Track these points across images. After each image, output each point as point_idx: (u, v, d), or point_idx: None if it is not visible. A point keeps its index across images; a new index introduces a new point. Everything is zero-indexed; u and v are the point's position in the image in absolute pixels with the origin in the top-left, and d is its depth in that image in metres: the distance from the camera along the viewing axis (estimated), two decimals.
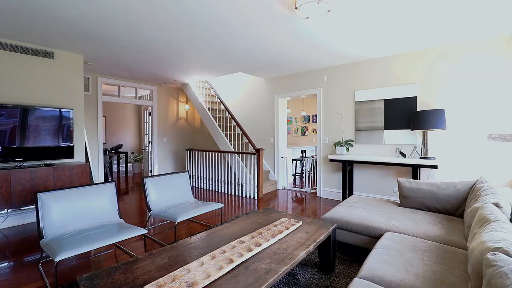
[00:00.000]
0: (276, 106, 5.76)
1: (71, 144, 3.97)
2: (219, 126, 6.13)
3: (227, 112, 6.53)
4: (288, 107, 9.03)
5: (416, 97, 3.97)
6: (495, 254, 1.09)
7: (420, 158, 3.69)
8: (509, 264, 1.00)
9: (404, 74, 4.10)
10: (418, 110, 3.97)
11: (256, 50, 3.93)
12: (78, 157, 4.17)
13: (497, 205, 1.82)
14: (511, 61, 3.31)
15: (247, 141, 6.13)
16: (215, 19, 2.87)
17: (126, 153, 7.97)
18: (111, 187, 2.76)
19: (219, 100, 6.70)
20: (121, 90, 6.13)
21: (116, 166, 8.50)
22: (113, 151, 7.55)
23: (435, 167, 3.51)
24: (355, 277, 1.55)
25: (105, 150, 7.24)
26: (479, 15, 2.80)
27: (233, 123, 6.45)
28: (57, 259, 1.83)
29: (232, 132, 6.36)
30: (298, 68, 5.01)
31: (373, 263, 1.64)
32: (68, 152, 3.94)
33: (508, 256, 1.11)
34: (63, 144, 3.87)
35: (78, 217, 2.43)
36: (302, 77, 5.31)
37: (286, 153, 5.98)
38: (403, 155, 3.91)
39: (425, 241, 1.97)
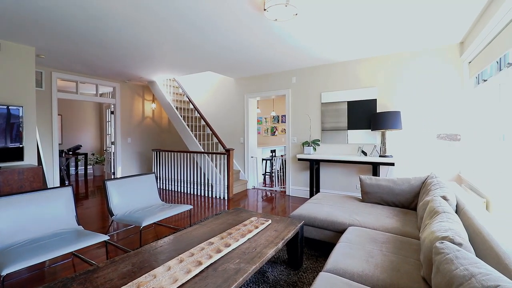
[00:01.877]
0: (246, 106, 5.77)
1: (21, 145, 3.60)
2: (188, 126, 5.98)
3: (196, 112, 6.40)
4: (258, 107, 9.11)
5: (376, 99, 4.25)
6: (442, 242, 1.21)
7: (380, 156, 3.95)
8: (454, 251, 1.12)
9: (365, 77, 4.36)
10: (377, 111, 4.24)
11: (226, 50, 3.91)
12: (29, 159, 3.80)
13: (444, 198, 2.01)
14: (454, 67, 3.69)
15: (217, 141, 6.06)
16: (185, 15, 2.80)
17: (86, 154, 7.43)
18: (67, 191, 2.56)
19: (187, 99, 6.55)
20: (80, 86, 5.70)
21: (74, 168, 7.89)
22: (71, 153, 6.99)
23: (392, 164, 3.78)
24: (321, 271, 1.61)
25: (61, 152, 6.68)
26: (430, 26, 3.08)
27: (203, 122, 6.34)
28: (3, 273, 1.65)
29: (202, 132, 6.25)
30: (268, 69, 5.07)
31: (337, 256, 1.73)
32: (17, 153, 3.57)
33: (454, 244, 1.24)
34: (11, 145, 3.50)
35: (29, 225, 2.21)
36: (272, 78, 5.39)
37: (256, 153, 6.03)
38: (365, 153, 4.15)
39: (384, 233, 2.12)
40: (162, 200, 4.49)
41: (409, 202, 2.79)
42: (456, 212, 2.02)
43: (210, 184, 5.13)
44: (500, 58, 2.54)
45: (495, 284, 0.83)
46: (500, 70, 2.57)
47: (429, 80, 3.88)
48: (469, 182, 3.14)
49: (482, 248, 1.32)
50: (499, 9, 2.22)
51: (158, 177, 5.92)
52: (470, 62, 3.37)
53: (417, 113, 3.97)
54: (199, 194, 5.28)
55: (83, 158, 7.60)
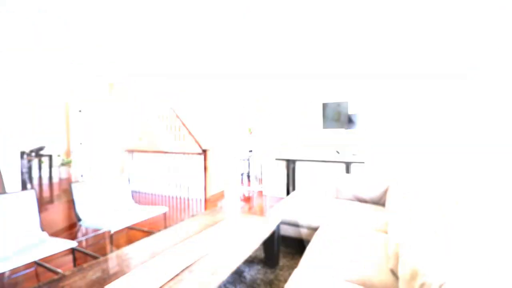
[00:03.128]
0: (223, 106, 5.73)
1: None
2: (165, 125, 5.81)
3: (172, 111, 6.23)
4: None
5: (347, 102, 4.40)
6: None
7: (352, 155, 4.11)
8: None
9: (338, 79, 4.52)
10: (349, 113, 4.41)
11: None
12: None
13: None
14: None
15: (194, 141, 5.95)
16: None
17: (50, 156, 6.95)
18: (29, 195, 2.38)
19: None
20: None
21: (38, 171, 7.33)
22: (33, 154, 6.51)
23: (363, 163, 3.96)
24: (296, 268, 1.65)
25: (22, 153, 6.21)
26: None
27: (178, 122, 6.18)
28: None
29: (177, 132, 6.09)
30: None
31: (312, 253, 1.77)
32: None
33: None
34: None
35: None
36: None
37: (235, 153, 6.00)
38: (338, 153, 4.30)
39: (356, 228, 2.21)
40: (136, 203, 4.33)
41: (379, 198, 2.94)
42: None
43: (186, 185, 5.03)
44: None
45: None
46: None
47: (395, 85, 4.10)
48: (426, 179, 3.37)
49: None
50: None
51: (131, 179, 5.69)
52: None
53: (384, 117, 4.19)
54: (174, 195, 5.16)
55: (48, 160, 7.10)
